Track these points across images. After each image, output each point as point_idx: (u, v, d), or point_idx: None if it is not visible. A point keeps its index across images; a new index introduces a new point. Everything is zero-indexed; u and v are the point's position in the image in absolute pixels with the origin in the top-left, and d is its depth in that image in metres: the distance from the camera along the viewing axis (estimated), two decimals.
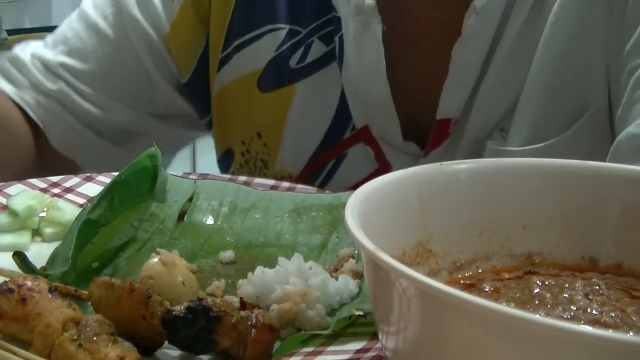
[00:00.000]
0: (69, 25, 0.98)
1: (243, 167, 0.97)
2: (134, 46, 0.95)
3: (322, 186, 0.90)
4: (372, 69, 0.83)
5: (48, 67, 0.96)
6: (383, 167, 0.87)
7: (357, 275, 0.65)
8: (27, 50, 0.98)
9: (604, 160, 0.77)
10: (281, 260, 0.63)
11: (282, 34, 0.89)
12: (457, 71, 0.82)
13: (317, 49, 0.88)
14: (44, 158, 0.97)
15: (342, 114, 0.88)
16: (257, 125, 0.94)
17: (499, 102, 0.84)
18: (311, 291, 0.59)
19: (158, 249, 0.63)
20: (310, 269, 0.63)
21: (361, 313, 0.55)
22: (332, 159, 0.89)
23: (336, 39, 0.86)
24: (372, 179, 0.86)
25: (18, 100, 0.95)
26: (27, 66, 0.96)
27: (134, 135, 1.00)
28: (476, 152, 0.84)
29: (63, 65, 0.96)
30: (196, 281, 0.61)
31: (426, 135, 0.86)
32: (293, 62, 0.89)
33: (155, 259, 0.59)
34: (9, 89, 0.96)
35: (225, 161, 0.99)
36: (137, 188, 0.75)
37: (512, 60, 0.83)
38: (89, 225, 0.67)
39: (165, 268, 0.58)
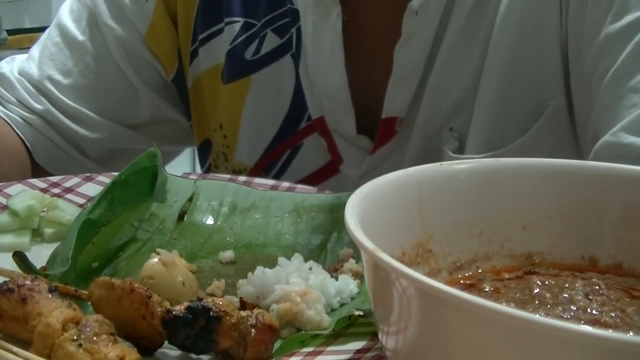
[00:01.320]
0: (51, 40, 0.99)
1: (217, 161, 0.98)
2: (113, 55, 0.96)
3: (277, 177, 0.90)
4: (330, 60, 0.84)
5: (34, 85, 0.96)
6: (335, 160, 0.88)
7: (357, 275, 0.65)
8: (13, 66, 0.99)
9: (566, 157, 0.77)
10: (281, 260, 0.63)
11: (237, 27, 0.90)
12: (399, 71, 0.83)
13: (271, 41, 0.89)
14: (37, 174, 0.98)
15: (297, 105, 0.89)
16: (219, 117, 0.95)
17: (444, 100, 0.84)
18: (311, 291, 0.59)
19: (158, 249, 0.63)
20: (310, 269, 0.63)
21: (361, 313, 0.55)
22: (287, 150, 0.90)
23: (293, 30, 0.87)
24: (325, 171, 0.87)
25: (5, 118, 0.95)
26: (14, 84, 0.96)
27: (118, 153, 1.01)
28: (428, 150, 0.84)
29: (49, 80, 0.96)
30: (196, 281, 0.61)
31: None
32: (248, 54, 0.90)
33: (155, 259, 0.59)
34: None
35: (204, 151, 1.00)
36: (137, 188, 0.76)
37: (454, 59, 0.83)
38: (89, 225, 0.67)
39: (165, 268, 0.58)
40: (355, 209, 0.45)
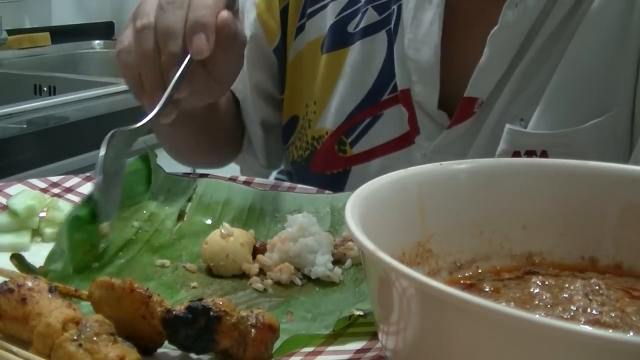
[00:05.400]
0: None
1: (300, 132, 1.01)
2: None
3: (355, 142, 0.95)
4: (427, 35, 0.88)
5: None
6: (412, 131, 0.92)
7: (355, 260, 0.68)
8: None
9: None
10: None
11: (344, 2, 0.97)
12: (490, 57, 0.86)
13: (369, 17, 0.95)
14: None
15: (383, 78, 0.94)
16: (315, 89, 0.99)
17: (525, 89, 0.87)
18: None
19: (225, 223, 0.70)
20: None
21: (361, 313, 0.55)
22: (368, 118, 0.95)
23: (394, 7, 0.93)
24: (400, 141, 0.93)
25: None
26: None
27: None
28: (495, 136, 0.87)
29: None
30: (247, 256, 0.68)
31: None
32: (351, 27, 0.96)
33: (222, 230, 0.69)
34: None
35: (289, 129, 1.03)
36: (132, 189, 0.75)
37: (543, 53, 0.86)
38: (77, 222, 0.67)
39: (221, 238, 0.68)
40: (356, 209, 0.45)
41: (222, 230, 0.69)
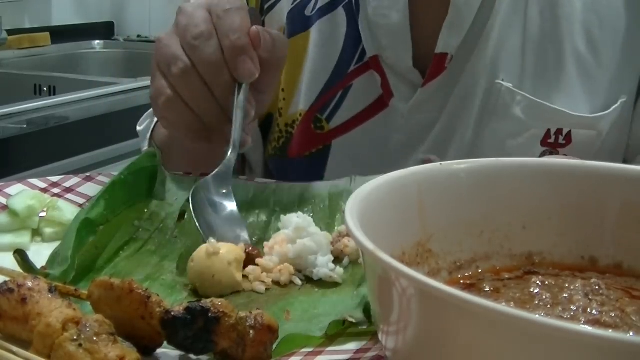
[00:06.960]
0: None
1: (273, 127, 1.01)
2: None
3: (330, 117, 0.96)
4: (394, 0, 0.91)
5: None
6: (386, 94, 0.94)
7: (352, 256, 0.68)
8: None
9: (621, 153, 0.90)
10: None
11: None
12: (454, 13, 0.89)
13: None
14: None
15: (348, 50, 0.96)
16: (283, 73, 1.00)
17: (496, 50, 0.91)
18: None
19: (209, 240, 0.65)
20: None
21: (354, 321, 0.55)
22: (339, 92, 0.96)
23: None
24: (374, 106, 0.95)
25: None
26: None
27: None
28: (471, 94, 0.91)
29: None
30: (234, 277, 0.63)
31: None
32: (308, 10, 0.98)
33: (207, 245, 0.64)
34: None
35: (265, 128, 1.03)
36: (136, 188, 0.76)
37: (512, 15, 0.90)
38: (88, 225, 0.67)
39: (207, 256, 0.63)
40: (355, 209, 0.45)
41: (209, 247, 0.64)
